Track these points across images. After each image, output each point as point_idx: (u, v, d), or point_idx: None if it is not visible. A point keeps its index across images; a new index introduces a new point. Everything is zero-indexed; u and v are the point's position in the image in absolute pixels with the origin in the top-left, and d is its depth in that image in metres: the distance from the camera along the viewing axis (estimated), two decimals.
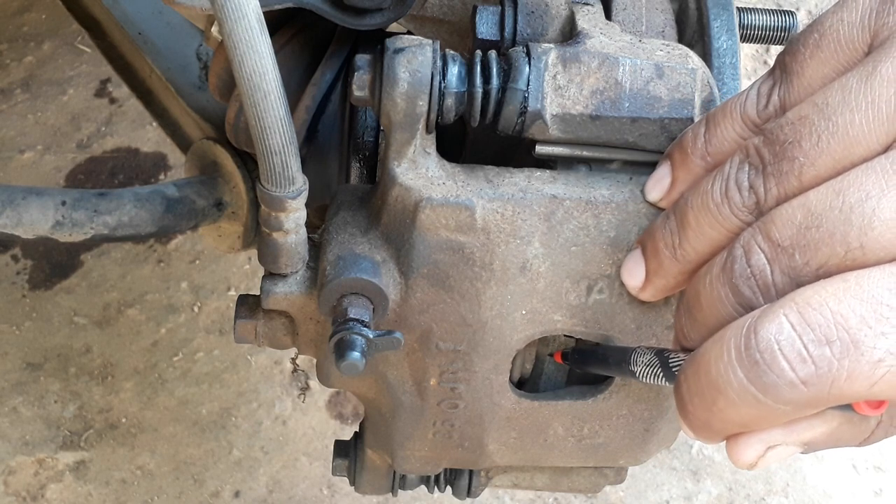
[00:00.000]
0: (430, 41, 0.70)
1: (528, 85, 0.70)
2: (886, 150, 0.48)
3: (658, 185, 0.65)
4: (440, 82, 0.70)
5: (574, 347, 0.82)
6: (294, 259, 0.78)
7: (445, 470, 0.98)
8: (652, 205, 0.70)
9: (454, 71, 0.70)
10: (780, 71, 0.56)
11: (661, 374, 0.63)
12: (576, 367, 0.82)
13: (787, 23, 0.91)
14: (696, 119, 0.70)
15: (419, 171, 0.72)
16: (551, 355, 0.84)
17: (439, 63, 0.70)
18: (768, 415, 0.47)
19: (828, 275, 0.47)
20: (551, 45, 0.71)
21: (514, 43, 0.76)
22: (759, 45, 0.93)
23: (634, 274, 0.62)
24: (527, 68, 0.70)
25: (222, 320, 1.71)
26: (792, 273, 0.48)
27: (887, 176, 0.47)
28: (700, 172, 0.60)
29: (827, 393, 0.45)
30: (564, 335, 0.81)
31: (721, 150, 0.58)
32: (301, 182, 0.72)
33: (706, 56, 0.81)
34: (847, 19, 0.52)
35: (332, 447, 1.01)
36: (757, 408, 0.47)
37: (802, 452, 0.52)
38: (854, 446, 0.52)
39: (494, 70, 0.71)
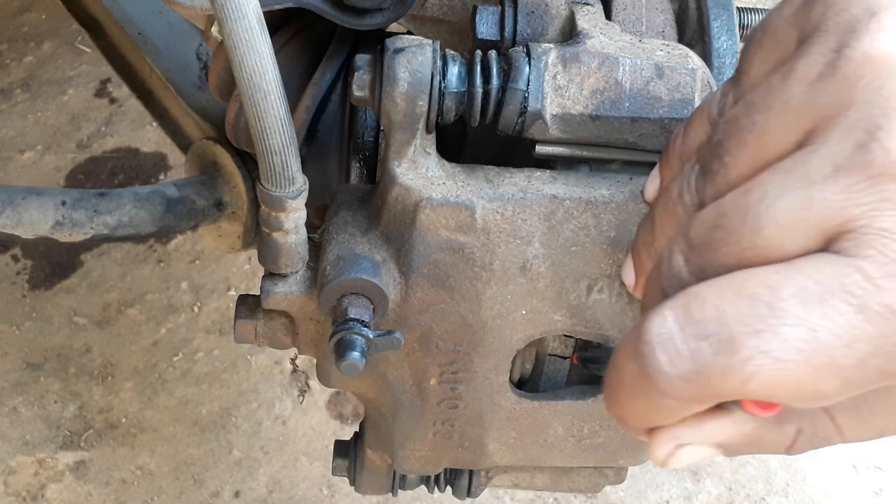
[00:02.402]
0: (430, 41, 0.70)
1: (528, 85, 0.70)
2: (797, 148, 0.48)
3: (651, 185, 0.65)
4: (440, 82, 0.70)
5: (591, 351, 0.82)
6: (294, 259, 0.78)
7: (445, 470, 0.98)
8: (649, 204, 0.70)
9: (454, 71, 0.70)
10: (737, 69, 0.56)
11: None
12: (595, 370, 0.82)
13: None
14: None
15: (419, 171, 0.72)
16: (564, 357, 0.83)
17: (439, 63, 0.70)
18: (660, 409, 0.47)
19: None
20: (551, 45, 0.71)
21: (514, 43, 0.76)
22: None
23: (628, 273, 0.62)
24: (527, 68, 0.70)
25: (222, 320, 1.71)
26: (698, 273, 0.48)
27: (788, 176, 0.47)
28: (679, 172, 0.61)
29: (704, 388, 0.45)
30: (564, 335, 0.81)
31: (692, 149, 0.58)
32: (301, 182, 0.72)
33: (706, 56, 0.81)
34: (783, 14, 0.52)
35: (332, 447, 1.01)
36: (647, 401, 0.47)
37: (726, 455, 0.51)
38: (781, 453, 0.52)
39: (494, 70, 0.71)
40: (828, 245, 0.45)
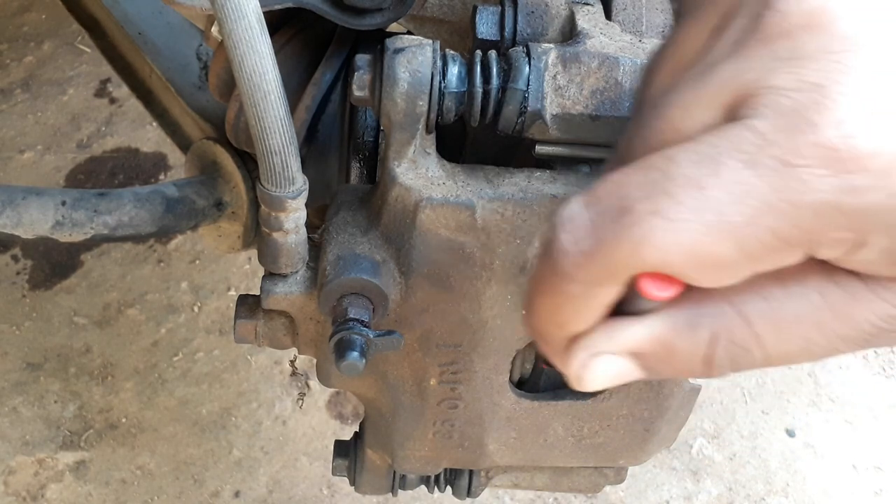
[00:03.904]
0: (430, 41, 0.70)
1: (528, 85, 0.70)
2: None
3: None
4: (440, 82, 0.70)
5: None
6: (294, 259, 0.78)
7: (445, 470, 0.98)
8: None
9: (454, 71, 0.70)
10: None
11: None
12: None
13: None
14: None
15: (419, 171, 0.72)
16: None
17: (439, 63, 0.70)
18: (567, 298, 0.47)
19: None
20: (551, 45, 0.71)
21: (514, 43, 0.76)
22: None
23: None
24: (527, 68, 0.70)
25: (222, 320, 1.71)
26: None
27: (696, 66, 0.48)
28: None
29: (603, 261, 0.45)
30: None
31: None
32: (301, 182, 0.72)
33: None
34: None
35: (332, 447, 1.01)
36: (555, 292, 0.47)
37: (645, 373, 0.50)
38: (702, 374, 0.50)
39: (494, 70, 0.71)
40: (730, 116, 0.45)
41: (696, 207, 0.43)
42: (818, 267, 0.46)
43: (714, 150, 0.43)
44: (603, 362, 0.49)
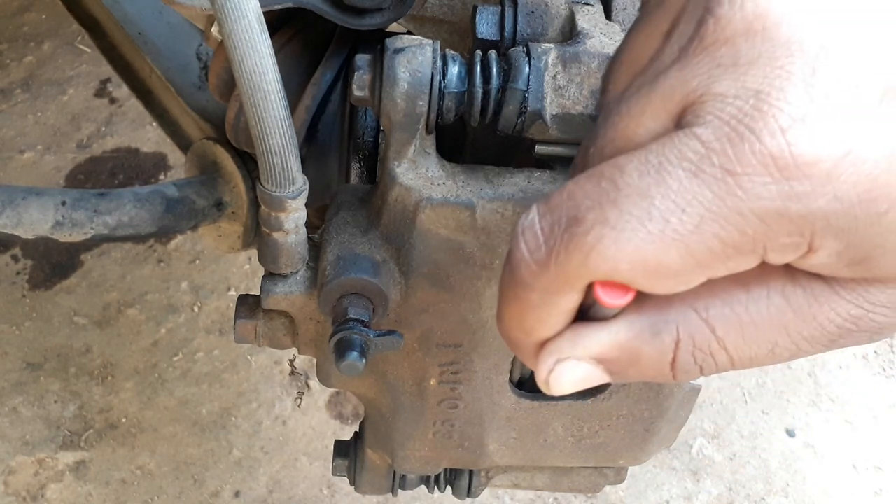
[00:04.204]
0: (430, 41, 0.70)
1: (528, 85, 0.70)
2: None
3: None
4: (440, 82, 0.70)
5: None
6: (294, 259, 0.78)
7: (445, 470, 0.98)
8: None
9: (454, 71, 0.70)
10: None
11: None
12: None
13: None
14: None
15: (419, 171, 0.72)
16: None
17: (439, 63, 0.70)
18: (528, 307, 0.48)
19: None
20: (551, 45, 0.71)
21: (514, 43, 0.76)
22: None
23: None
24: (527, 68, 0.70)
25: (222, 320, 1.71)
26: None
27: (644, 75, 0.48)
28: None
29: (557, 270, 0.45)
30: None
31: None
32: (301, 182, 0.72)
33: None
34: None
35: (332, 447, 1.01)
36: (517, 301, 0.48)
37: (611, 378, 0.50)
38: (668, 378, 0.50)
39: (494, 70, 0.71)
40: (677, 124, 0.45)
41: (641, 217, 0.43)
42: (781, 269, 0.46)
43: (659, 159, 0.44)
44: (569, 367, 0.50)
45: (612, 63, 0.53)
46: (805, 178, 0.42)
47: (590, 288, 0.46)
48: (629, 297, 0.45)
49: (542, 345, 0.50)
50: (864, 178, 0.42)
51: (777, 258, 0.44)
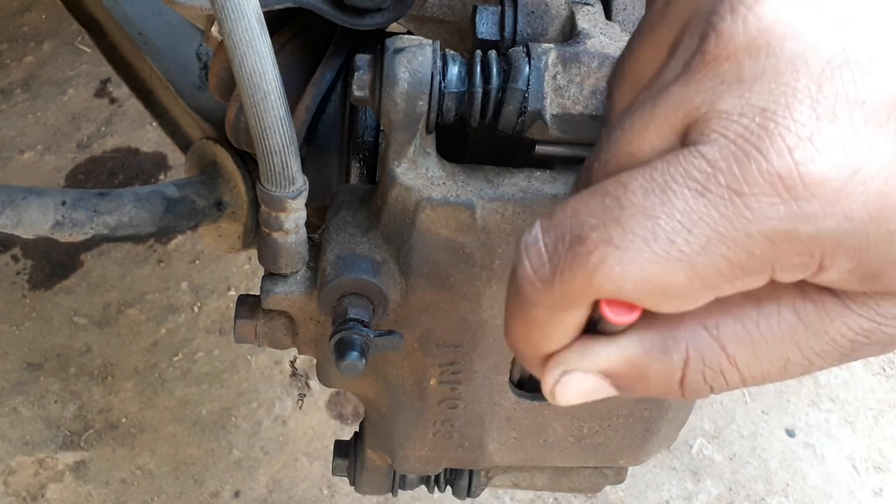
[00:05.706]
0: (430, 41, 0.70)
1: (528, 85, 0.70)
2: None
3: None
4: (440, 82, 0.70)
5: None
6: (294, 259, 0.78)
7: (445, 470, 0.98)
8: None
9: (454, 71, 0.70)
10: None
11: None
12: None
13: None
14: None
15: (419, 171, 0.72)
16: None
17: (439, 63, 0.70)
18: (534, 323, 0.47)
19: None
20: (551, 45, 0.71)
21: (514, 43, 0.76)
22: None
23: None
24: (527, 68, 0.70)
25: (222, 320, 1.71)
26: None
27: (649, 89, 0.47)
28: None
29: (561, 288, 0.45)
30: None
31: None
32: (301, 182, 0.72)
33: None
34: None
35: (332, 447, 1.01)
36: (522, 317, 0.48)
37: (619, 391, 0.50)
38: (676, 394, 0.50)
39: (494, 70, 0.71)
40: (682, 141, 0.44)
41: (646, 237, 0.43)
42: (791, 285, 0.46)
43: (664, 177, 0.43)
44: (576, 380, 0.50)
45: (616, 73, 0.52)
46: (813, 198, 0.41)
47: (596, 304, 0.46)
48: (635, 315, 0.45)
49: (550, 355, 0.49)
50: (873, 197, 0.41)
51: (786, 277, 0.44)
